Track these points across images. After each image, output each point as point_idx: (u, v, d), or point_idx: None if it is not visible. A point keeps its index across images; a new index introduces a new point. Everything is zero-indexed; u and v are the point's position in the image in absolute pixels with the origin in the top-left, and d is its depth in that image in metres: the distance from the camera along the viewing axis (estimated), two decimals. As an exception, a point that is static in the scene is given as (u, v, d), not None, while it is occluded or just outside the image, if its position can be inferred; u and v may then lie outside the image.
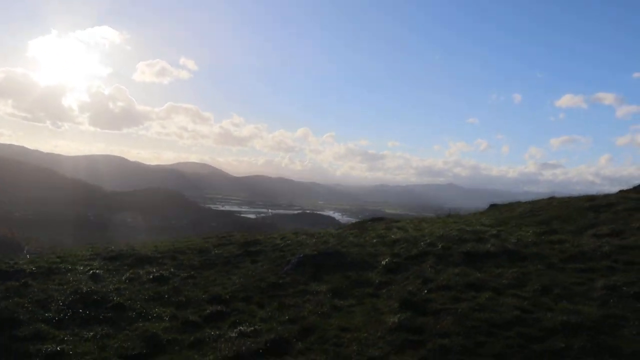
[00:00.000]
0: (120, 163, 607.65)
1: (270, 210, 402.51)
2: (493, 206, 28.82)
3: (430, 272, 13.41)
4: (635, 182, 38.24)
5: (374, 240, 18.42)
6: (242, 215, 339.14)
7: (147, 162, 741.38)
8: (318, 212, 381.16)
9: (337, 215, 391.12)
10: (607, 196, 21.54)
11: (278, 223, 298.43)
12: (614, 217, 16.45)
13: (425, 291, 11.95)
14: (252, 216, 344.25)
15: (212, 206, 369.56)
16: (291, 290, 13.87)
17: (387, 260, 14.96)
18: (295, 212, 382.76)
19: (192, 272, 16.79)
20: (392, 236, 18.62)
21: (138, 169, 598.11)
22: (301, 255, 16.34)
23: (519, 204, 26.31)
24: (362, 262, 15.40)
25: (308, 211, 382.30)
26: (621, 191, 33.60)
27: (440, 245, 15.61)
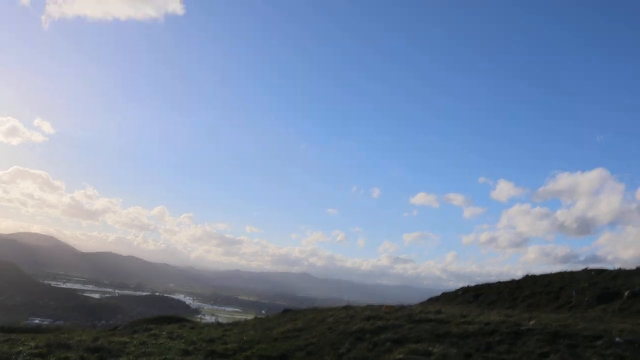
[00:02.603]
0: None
1: (117, 291, 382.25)
2: (286, 311, 28.50)
3: None
4: (477, 279, 41.81)
5: None
6: (86, 294, 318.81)
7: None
8: (168, 296, 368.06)
9: (188, 300, 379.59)
10: (390, 313, 19.07)
11: (124, 304, 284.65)
12: (364, 354, 13.32)
13: None
14: (97, 296, 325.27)
15: (53, 283, 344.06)
16: None
17: None
18: (144, 294, 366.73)
19: None
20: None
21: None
22: None
23: (312, 311, 24.63)
24: None
25: (158, 294, 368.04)
26: (421, 304, 35.86)
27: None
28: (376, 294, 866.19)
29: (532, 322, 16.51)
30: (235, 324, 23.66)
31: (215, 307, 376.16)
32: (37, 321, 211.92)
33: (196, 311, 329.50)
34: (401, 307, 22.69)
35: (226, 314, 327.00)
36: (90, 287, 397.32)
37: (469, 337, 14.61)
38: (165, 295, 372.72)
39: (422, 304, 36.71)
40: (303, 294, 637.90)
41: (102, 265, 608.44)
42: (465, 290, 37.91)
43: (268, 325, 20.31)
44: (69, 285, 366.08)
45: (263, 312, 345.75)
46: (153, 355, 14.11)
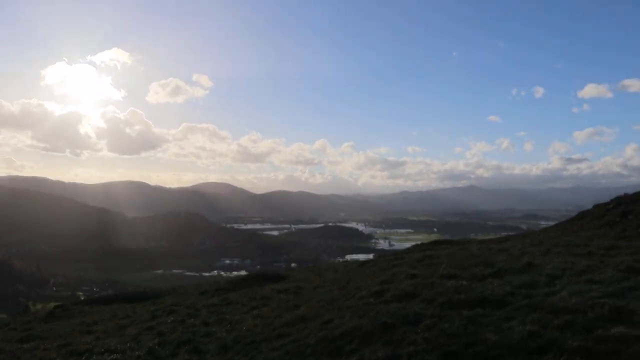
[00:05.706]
0: (141, 188, 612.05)
1: (293, 226, 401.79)
2: (364, 264, 26.35)
3: None
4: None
5: None
6: (266, 233, 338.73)
7: (168, 185, 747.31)
8: (341, 225, 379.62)
9: (360, 227, 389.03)
10: (440, 284, 12.47)
11: (301, 239, 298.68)
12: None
13: None
14: (275, 233, 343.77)
15: (235, 225, 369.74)
16: None
17: None
18: (318, 226, 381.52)
19: None
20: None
21: (159, 192, 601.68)
22: None
23: (380, 264, 21.05)
24: None
25: (331, 224, 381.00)
26: (543, 230, 28.69)
27: None
28: (547, 200, 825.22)
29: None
30: (265, 298, 20.34)
31: (387, 230, 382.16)
32: (227, 262, 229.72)
33: (369, 237, 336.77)
34: (476, 263, 15.01)
35: (399, 236, 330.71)
36: (268, 225, 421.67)
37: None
38: (338, 224, 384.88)
39: (543, 231, 29.20)
40: (472, 207, 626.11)
41: (275, 203, 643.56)
42: (617, 203, 28.38)
43: (295, 302, 16.41)
44: (249, 226, 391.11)
45: (435, 230, 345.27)
46: None
